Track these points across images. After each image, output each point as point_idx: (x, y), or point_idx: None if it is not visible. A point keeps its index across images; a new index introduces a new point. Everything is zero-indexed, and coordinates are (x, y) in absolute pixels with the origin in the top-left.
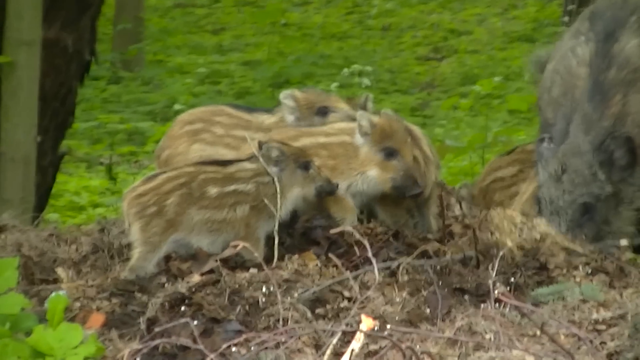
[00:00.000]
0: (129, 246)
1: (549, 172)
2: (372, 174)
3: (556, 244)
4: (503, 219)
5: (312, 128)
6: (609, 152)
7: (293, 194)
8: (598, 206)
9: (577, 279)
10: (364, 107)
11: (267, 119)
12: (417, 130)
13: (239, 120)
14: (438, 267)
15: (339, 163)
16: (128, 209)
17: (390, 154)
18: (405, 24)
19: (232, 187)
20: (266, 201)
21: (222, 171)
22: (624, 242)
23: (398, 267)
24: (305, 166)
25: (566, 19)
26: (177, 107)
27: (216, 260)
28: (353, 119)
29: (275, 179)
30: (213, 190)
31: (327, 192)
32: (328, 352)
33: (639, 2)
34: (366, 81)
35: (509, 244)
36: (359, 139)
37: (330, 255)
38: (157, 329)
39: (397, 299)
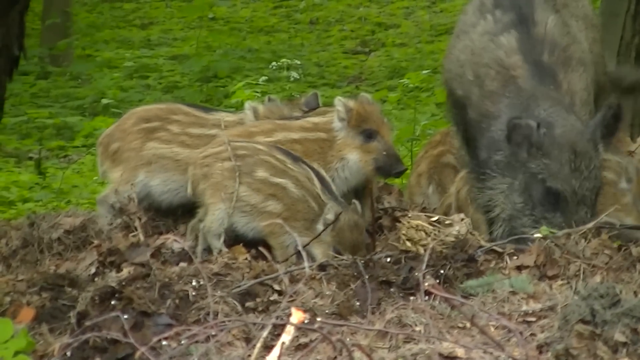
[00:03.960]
0: (58, 240)
1: (562, 161)
2: (352, 158)
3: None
4: (411, 228)
5: (288, 122)
6: (604, 124)
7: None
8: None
9: (506, 271)
10: (309, 106)
11: (226, 116)
12: None
13: (196, 118)
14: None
15: (314, 159)
16: (193, 169)
17: (369, 135)
18: (332, 17)
19: (278, 180)
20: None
21: (284, 165)
22: (537, 234)
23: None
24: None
25: None
26: (105, 101)
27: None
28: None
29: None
30: (261, 174)
31: None
32: (258, 345)
33: None
34: (294, 75)
35: (421, 251)
36: (336, 124)
37: (260, 248)
38: (87, 323)
39: (327, 292)
